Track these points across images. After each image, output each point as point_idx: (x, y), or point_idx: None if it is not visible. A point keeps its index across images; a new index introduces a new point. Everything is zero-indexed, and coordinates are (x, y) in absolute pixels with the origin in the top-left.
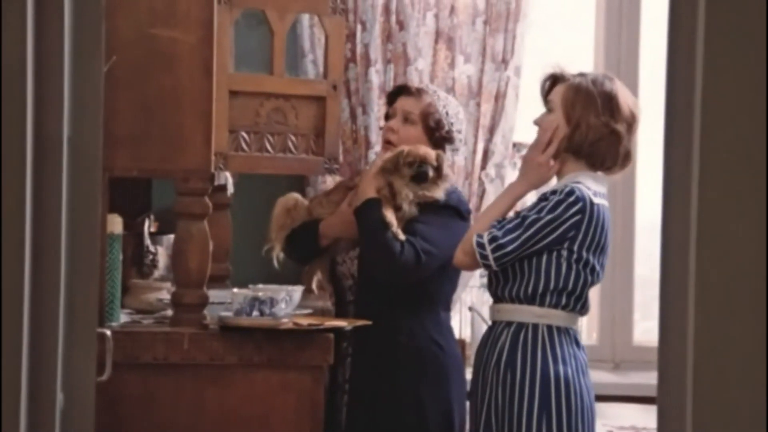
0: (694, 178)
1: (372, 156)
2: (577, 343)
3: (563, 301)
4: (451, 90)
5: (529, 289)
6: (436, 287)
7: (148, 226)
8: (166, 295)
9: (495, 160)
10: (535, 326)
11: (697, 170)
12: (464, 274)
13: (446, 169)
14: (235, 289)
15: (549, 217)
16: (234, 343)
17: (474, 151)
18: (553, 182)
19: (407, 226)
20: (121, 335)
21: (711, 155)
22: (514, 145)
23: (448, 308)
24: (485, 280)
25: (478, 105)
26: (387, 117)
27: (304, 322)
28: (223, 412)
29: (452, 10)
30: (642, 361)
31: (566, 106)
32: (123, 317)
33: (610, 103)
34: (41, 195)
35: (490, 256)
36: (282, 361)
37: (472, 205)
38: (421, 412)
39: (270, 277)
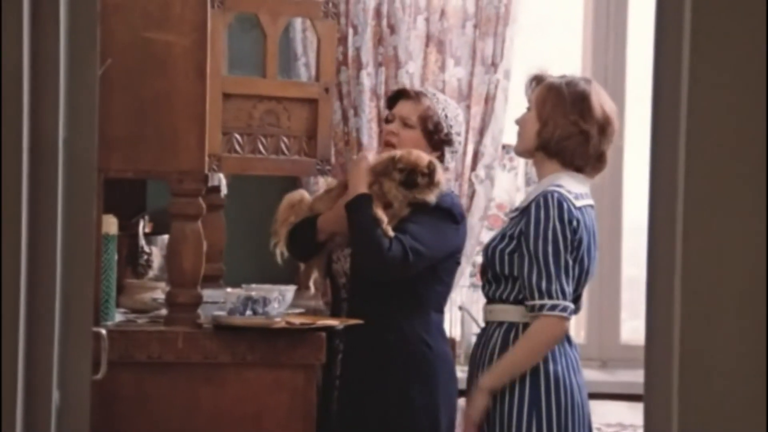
0: (680, 179)
1: None
2: (569, 341)
3: None
4: (441, 93)
5: (519, 290)
6: (426, 288)
7: (143, 226)
8: (160, 295)
9: (485, 162)
10: (526, 325)
11: (683, 171)
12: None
13: (439, 176)
14: (229, 289)
15: (551, 246)
16: (227, 341)
17: (464, 153)
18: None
19: (399, 225)
20: (116, 334)
21: (697, 157)
22: (504, 146)
23: (439, 309)
24: (475, 279)
25: (468, 107)
26: (387, 121)
27: (297, 321)
28: (216, 409)
29: (442, 14)
30: (629, 360)
31: (538, 103)
32: (118, 316)
33: (581, 103)
34: (37, 196)
35: (566, 309)
36: (275, 359)
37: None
38: (409, 410)
39: (263, 277)
